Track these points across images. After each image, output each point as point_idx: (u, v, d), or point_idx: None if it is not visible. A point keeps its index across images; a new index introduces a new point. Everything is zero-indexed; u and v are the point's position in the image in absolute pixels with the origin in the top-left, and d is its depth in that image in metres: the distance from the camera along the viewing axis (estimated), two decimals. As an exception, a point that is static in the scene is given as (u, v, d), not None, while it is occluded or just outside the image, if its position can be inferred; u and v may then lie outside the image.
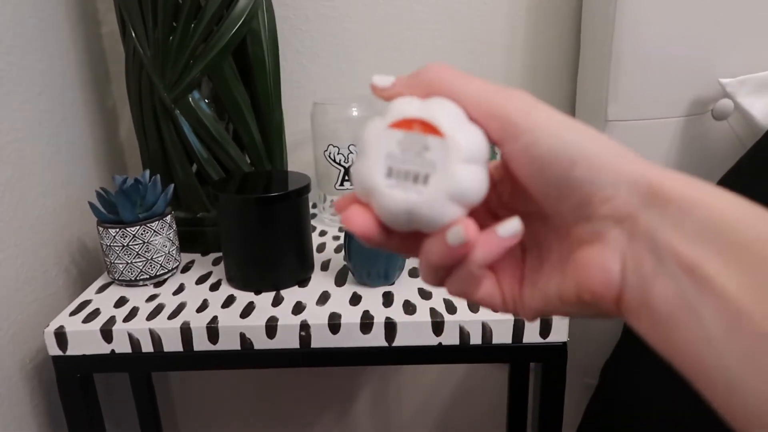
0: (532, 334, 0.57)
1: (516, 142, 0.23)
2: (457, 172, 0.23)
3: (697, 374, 0.20)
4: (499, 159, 0.27)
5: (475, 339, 0.57)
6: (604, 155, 0.22)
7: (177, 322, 0.58)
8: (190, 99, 0.70)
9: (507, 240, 0.24)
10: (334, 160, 0.78)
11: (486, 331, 0.57)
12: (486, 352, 0.58)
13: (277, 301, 0.61)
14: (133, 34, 0.69)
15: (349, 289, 0.64)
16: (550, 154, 0.22)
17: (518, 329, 0.57)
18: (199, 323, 0.57)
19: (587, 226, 0.23)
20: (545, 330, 0.57)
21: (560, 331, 0.57)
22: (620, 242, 0.22)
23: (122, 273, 0.65)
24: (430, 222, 0.23)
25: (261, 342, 0.57)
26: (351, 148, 0.77)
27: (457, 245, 0.23)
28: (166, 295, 0.64)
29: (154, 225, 0.65)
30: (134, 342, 0.58)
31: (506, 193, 0.28)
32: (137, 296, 0.64)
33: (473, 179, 0.23)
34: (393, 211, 0.23)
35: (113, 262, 0.65)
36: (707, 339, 0.20)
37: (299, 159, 0.91)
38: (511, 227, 0.24)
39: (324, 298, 0.62)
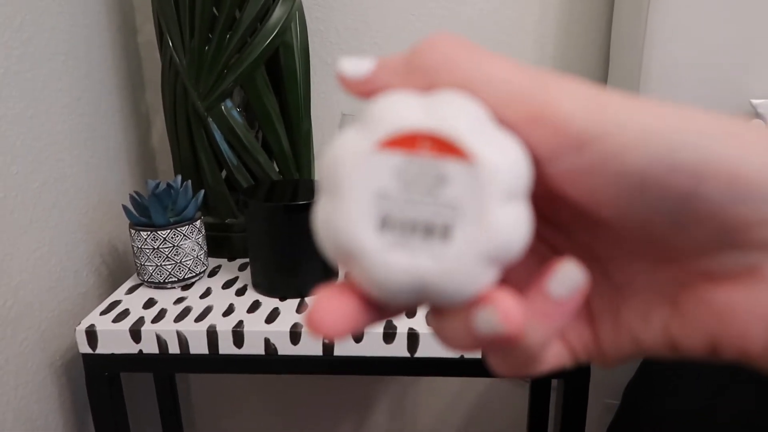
0: (555, 350, 0.57)
1: (581, 156, 0.15)
2: (498, 216, 0.15)
3: None
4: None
5: (498, 353, 0.57)
6: (750, 157, 0.15)
7: (204, 325, 0.59)
8: (223, 107, 0.72)
9: (569, 302, 0.16)
10: (361, 171, 0.79)
11: (509, 345, 0.57)
12: (508, 366, 0.58)
13: (301, 308, 0.62)
14: (170, 44, 0.71)
15: (372, 298, 0.64)
16: (653, 168, 0.15)
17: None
18: (225, 327, 0.58)
19: (730, 258, 0.16)
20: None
21: (584, 348, 0.57)
22: None
23: (152, 275, 0.66)
24: (451, 297, 0.15)
25: (285, 348, 0.58)
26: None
27: (490, 335, 0.15)
28: (193, 298, 0.65)
29: (184, 229, 0.66)
30: (162, 343, 0.59)
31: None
32: (165, 298, 0.65)
33: (518, 224, 0.15)
34: (393, 287, 0.15)
35: (143, 264, 0.66)
36: None
37: (325, 169, 0.92)
38: (568, 280, 0.16)
39: (347, 306, 0.62)
